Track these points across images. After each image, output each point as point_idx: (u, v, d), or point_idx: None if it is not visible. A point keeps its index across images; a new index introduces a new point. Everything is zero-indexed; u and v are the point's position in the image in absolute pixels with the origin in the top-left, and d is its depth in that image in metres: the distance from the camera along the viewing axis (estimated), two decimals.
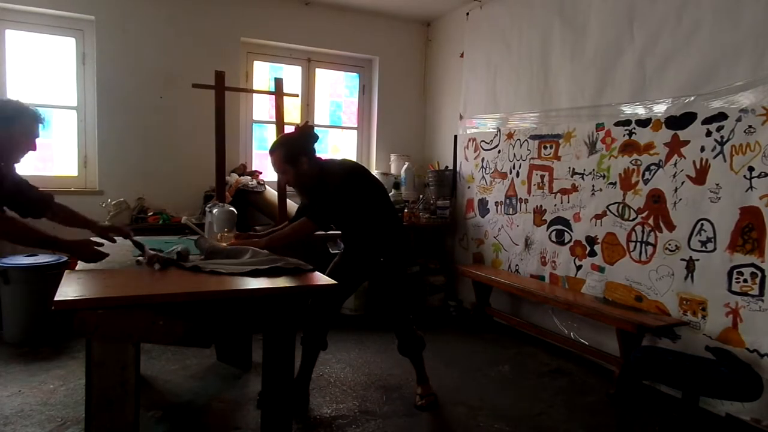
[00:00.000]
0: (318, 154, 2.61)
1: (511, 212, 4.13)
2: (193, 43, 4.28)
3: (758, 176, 2.55)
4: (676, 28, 2.92)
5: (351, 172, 2.58)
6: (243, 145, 4.65)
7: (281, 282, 1.95)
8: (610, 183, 3.31)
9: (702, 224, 2.80)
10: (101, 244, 2.16)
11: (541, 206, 3.84)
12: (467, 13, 4.56)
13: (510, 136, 4.12)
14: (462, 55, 4.64)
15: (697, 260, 2.82)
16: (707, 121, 2.78)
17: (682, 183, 2.89)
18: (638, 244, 3.14)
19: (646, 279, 3.09)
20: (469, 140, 4.57)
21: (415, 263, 4.43)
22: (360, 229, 2.68)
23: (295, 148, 2.49)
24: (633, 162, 3.17)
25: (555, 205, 3.72)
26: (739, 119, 2.63)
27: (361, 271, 2.77)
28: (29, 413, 2.54)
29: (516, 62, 4.06)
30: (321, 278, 2.06)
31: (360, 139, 5.23)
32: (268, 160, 2.58)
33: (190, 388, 2.92)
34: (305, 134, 2.57)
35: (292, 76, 4.83)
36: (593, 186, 3.43)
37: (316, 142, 2.59)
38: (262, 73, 4.75)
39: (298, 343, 2.00)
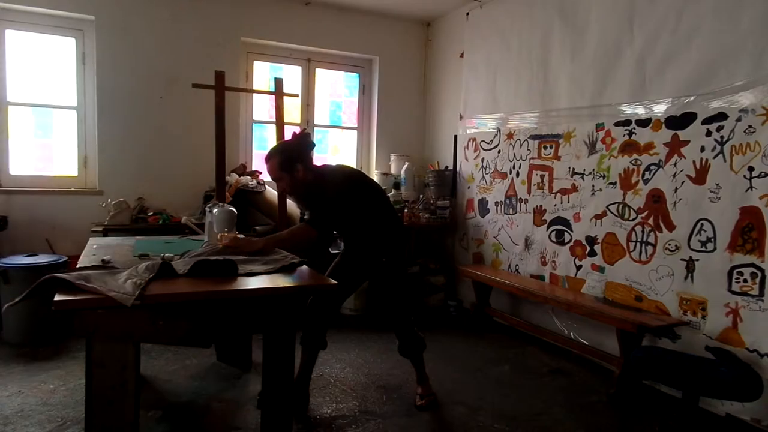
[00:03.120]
0: (314, 161, 2.60)
1: (511, 212, 4.13)
2: (193, 43, 4.28)
3: (758, 176, 2.55)
4: (676, 28, 2.92)
5: (349, 178, 2.59)
6: (243, 145, 4.65)
7: (281, 282, 1.96)
8: (610, 183, 3.31)
9: (702, 224, 2.80)
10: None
11: (541, 206, 3.84)
12: (467, 13, 4.56)
13: (510, 136, 4.12)
14: (462, 55, 4.64)
15: (697, 260, 2.82)
16: (707, 121, 2.77)
17: (682, 183, 2.89)
18: (638, 244, 3.14)
19: (646, 279, 3.09)
20: (469, 140, 4.57)
21: (416, 263, 4.49)
22: (361, 232, 2.67)
23: (291, 155, 2.49)
24: (633, 162, 3.17)
25: (555, 205, 3.71)
26: (739, 119, 2.63)
27: (362, 272, 2.77)
28: (29, 413, 2.54)
29: (516, 62, 4.06)
30: (321, 278, 2.06)
31: (360, 139, 5.23)
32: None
33: (190, 388, 2.92)
34: (301, 141, 2.57)
35: (292, 76, 4.84)
36: (593, 186, 3.43)
37: (312, 149, 2.60)
38: (262, 73, 4.75)
39: (298, 343, 2.00)
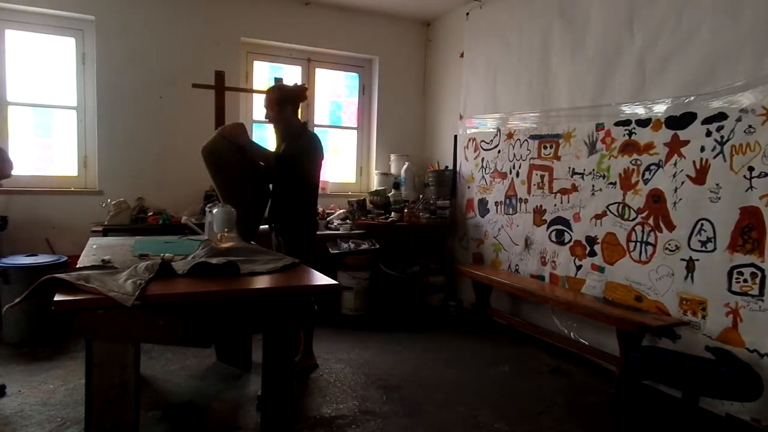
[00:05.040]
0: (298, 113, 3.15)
1: (511, 212, 4.12)
2: (193, 43, 4.28)
3: (758, 176, 2.55)
4: (676, 28, 2.92)
5: (310, 138, 3.05)
6: None
7: (281, 282, 1.96)
8: (610, 183, 3.31)
9: (702, 224, 2.80)
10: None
11: (541, 206, 3.84)
12: (467, 13, 4.56)
13: (510, 136, 4.12)
14: (462, 55, 4.64)
15: (697, 260, 2.82)
16: (707, 121, 2.77)
17: (682, 183, 2.89)
18: (638, 244, 3.14)
19: (646, 279, 3.09)
20: (469, 140, 4.57)
21: (416, 263, 4.48)
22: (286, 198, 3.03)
23: (286, 96, 3.02)
24: (633, 162, 3.17)
25: (555, 205, 3.71)
26: (739, 119, 2.63)
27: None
28: (29, 413, 2.54)
29: (516, 62, 4.06)
30: (321, 278, 2.06)
31: (360, 139, 5.23)
32: None
33: (190, 388, 2.92)
34: (298, 90, 3.08)
35: (292, 76, 4.84)
36: (593, 186, 3.42)
37: (303, 101, 3.13)
38: (262, 73, 4.75)
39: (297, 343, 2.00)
